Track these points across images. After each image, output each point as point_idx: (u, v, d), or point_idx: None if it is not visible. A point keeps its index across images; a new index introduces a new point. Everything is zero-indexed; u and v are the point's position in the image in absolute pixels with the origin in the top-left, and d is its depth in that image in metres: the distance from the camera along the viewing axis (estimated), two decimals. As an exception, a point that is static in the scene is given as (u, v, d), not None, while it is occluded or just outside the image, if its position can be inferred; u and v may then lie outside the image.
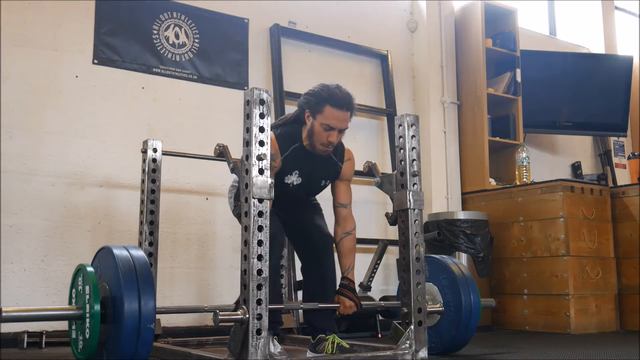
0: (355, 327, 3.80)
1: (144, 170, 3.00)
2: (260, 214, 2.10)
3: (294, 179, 2.64)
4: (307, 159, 2.66)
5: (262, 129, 2.13)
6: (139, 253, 2.17)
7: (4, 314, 2.00)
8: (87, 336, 2.07)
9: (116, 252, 2.13)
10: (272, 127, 2.71)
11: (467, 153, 4.84)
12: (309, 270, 2.79)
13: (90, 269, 2.16)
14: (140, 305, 2.01)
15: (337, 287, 2.71)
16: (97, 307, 2.04)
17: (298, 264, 2.94)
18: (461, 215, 4.21)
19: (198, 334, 3.38)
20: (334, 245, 2.77)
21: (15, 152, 3.31)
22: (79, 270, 2.19)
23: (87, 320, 2.07)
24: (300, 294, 3.64)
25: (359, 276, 4.08)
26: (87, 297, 2.09)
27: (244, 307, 2.06)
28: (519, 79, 4.98)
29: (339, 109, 2.55)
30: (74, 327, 2.20)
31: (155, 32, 3.83)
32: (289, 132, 2.66)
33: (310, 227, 2.77)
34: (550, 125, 5.29)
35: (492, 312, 4.30)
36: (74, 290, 2.21)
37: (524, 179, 4.56)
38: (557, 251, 4.07)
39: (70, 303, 2.22)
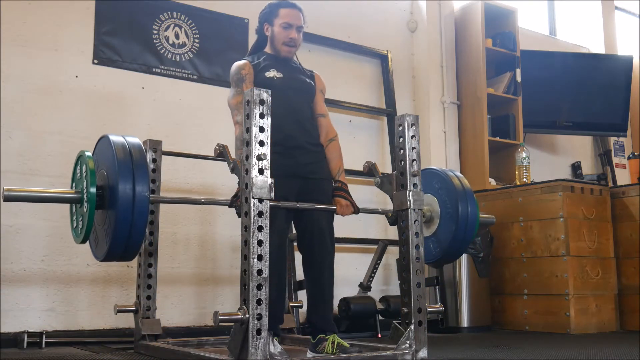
0: (355, 327, 3.80)
1: (144, 170, 3.00)
2: (260, 214, 2.10)
3: (274, 73, 2.77)
4: (279, 62, 2.83)
5: (262, 129, 2.13)
6: (135, 140, 2.29)
7: (5, 193, 2.12)
8: (85, 218, 2.18)
9: (113, 139, 2.24)
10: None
11: (467, 153, 4.84)
12: (307, 264, 2.78)
13: (88, 154, 2.26)
14: (135, 189, 2.13)
15: (332, 191, 2.77)
16: (94, 190, 2.15)
17: (298, 264, 2.94)
18: (461, 215, 4.20)
19: (198, 334, 3.38)
20: (334, 245, 2.77)
21: (15, 152, 3.31)
22: (80, 157, 2.29)
23: (85, 203, 2.17)
24: (300, 294, 3.65)
25: (359, 277, 4.10)
26: (85, 181, 2.19)
27: (244, 307, 2.06)
28: (519, 79, 4.98)
29: (291, 8, 2.84)
30: (74, 211, 2.32)
31: (155, 32, 3.82)
32: (254, 55, 2.87)
33: (314, 227, 2.74)
34: (550, 125, 5.29)
35: (492, 312, 4.30)
36: (74, 177, 2.33)
37: (524, 179, 4.56)
38: (557, 251, 4.07)
39: (71, 189, 2.34)
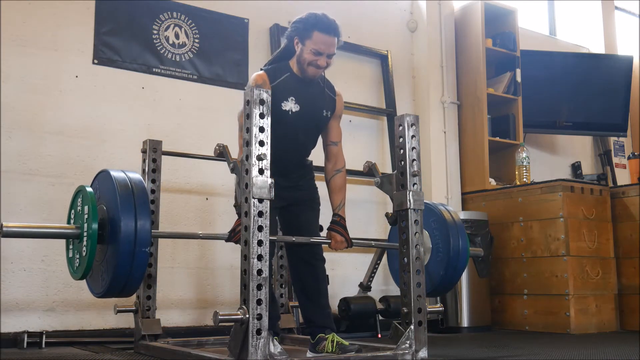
0: (355, 327, 3.80)
1: (144, 171, 3.00)
2: (260, 214, 2.10)
3: (291, 105, 2.62)
4: (301, 86, 2.66)
5: (262, 129, 2.13)
6: (136, 176, 2.23)
7: (4, 229, 2.07)
8: (84, 255, 2.13)
9: (114, 174, 2.19)
10: (262, 68, 2.74)
11: (467, 153, 4.84)
12: (299, 270, 2.76)
13: (89, 189, 2.20)
14: (137, 226, 2.07)
15: (329, 224, 2.72)
16: (95, 226, 2.10)
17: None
18: (461, 215, 4.20)
19: (198, 334, 3.38)
20: (322, 251, 2.78)
21: (15, 152, 3.31)
22: (79, 191, 2.24)
23: (85, 239, 2.13)
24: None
25: (359, 277, 4.10)
26: (86, 216, 2.14)
27: (244, 307, 2.06)
28: (519, 79, 4.98)
29: (327, 34, 2.62)
30: (71, 246, 2.27)
31: (155, 32, 3.82)
32: (277, 67, 2.69)
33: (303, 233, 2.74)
34: (550, 125, 5.29)
35: (492, 312, 4.31)
36: (72, 211, 2.27)
37: (524, 179, 4.56)
38: (557, 251, 4.07)
39: (69, 223, 2.29)
